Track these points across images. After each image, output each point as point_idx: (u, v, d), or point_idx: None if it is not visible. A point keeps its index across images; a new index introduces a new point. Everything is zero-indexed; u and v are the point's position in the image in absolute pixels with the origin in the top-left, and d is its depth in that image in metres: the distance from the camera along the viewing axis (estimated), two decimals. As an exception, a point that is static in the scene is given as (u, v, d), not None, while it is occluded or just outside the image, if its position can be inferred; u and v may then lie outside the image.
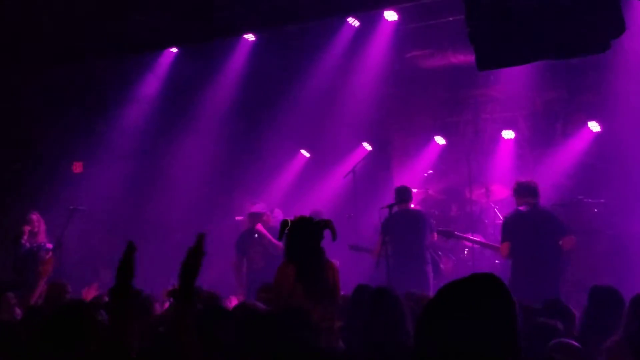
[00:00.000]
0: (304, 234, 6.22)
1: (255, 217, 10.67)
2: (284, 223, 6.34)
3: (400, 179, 12.07)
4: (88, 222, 12.01)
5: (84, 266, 11.96)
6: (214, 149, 13.62)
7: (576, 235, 8.71)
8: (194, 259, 3.50)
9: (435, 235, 10.05)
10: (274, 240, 10.25)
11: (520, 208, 8.74)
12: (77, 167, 14.13)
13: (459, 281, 2.37)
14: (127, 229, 13.35)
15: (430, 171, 12.45)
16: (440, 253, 10.41)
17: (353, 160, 12.14)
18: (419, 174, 12.46)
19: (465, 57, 11.18)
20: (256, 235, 10.51)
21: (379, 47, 12.28)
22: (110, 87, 13.39)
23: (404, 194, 9.97)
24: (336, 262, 6.43)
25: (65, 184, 13.09)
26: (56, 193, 12.48)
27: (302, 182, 13.34)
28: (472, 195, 11.28)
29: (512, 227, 8.70)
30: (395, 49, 12.38)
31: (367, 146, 12.81)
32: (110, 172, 13.35)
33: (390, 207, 8.76)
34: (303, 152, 13.79)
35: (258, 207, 10.79)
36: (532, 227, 8.58)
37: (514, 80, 11.75)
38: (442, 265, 10.28)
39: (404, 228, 9.63)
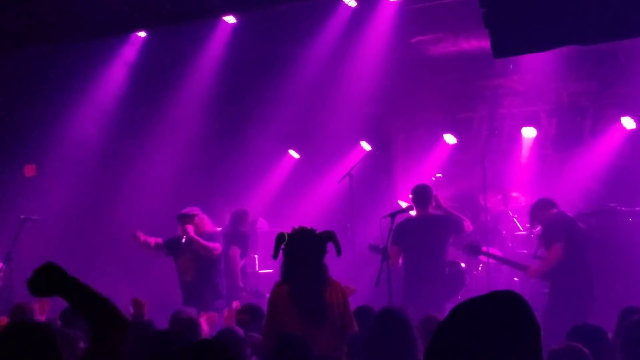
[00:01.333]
0: (303, 249, 6.19)
1: (184, 219, 10.51)
2: (280, 237, 6.24)
3: (404, 184, 12.07)
4: (42, 232, 11.97)
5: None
6: (189, 150, 13.59)
7: (610, 248, 8.86)
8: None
9: (470, 225, 9.65)
10: (206, 243, 10.20)
11: (554, 211, 9.00)
12: (30, 171, 14.09)
13: (477, 299, 2.41)
14: (86, 241, 13.31)
15: (439, 175, 12.45)
16: (463, 265, 10.10)
17: (349, 162, 12.14)
18: (425, 178, 12.44)
19: (480, 43, 11.19)
20: (183, 240, 10.39)
21: (379, 30, 12.28)
22: (67, 78, 13.32)
23: (422, 194, 9.48)
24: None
25: (16, 190, 13.05)
26: (5, 200, 12.44)
27: (291, 187, 13.32)
28: (487, 202, 11.26)
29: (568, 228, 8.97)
30: (399, 33, 12.37)
31: (366, 146, 12.82)
32: (67, 176, 13.32)
33: (392, 215, 8.49)
34: (292, 152, 13.78)
35: (189, 209, 10.71)
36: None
37: (536, 69, 11.79)
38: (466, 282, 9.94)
39: (422, 238, 9.26)
